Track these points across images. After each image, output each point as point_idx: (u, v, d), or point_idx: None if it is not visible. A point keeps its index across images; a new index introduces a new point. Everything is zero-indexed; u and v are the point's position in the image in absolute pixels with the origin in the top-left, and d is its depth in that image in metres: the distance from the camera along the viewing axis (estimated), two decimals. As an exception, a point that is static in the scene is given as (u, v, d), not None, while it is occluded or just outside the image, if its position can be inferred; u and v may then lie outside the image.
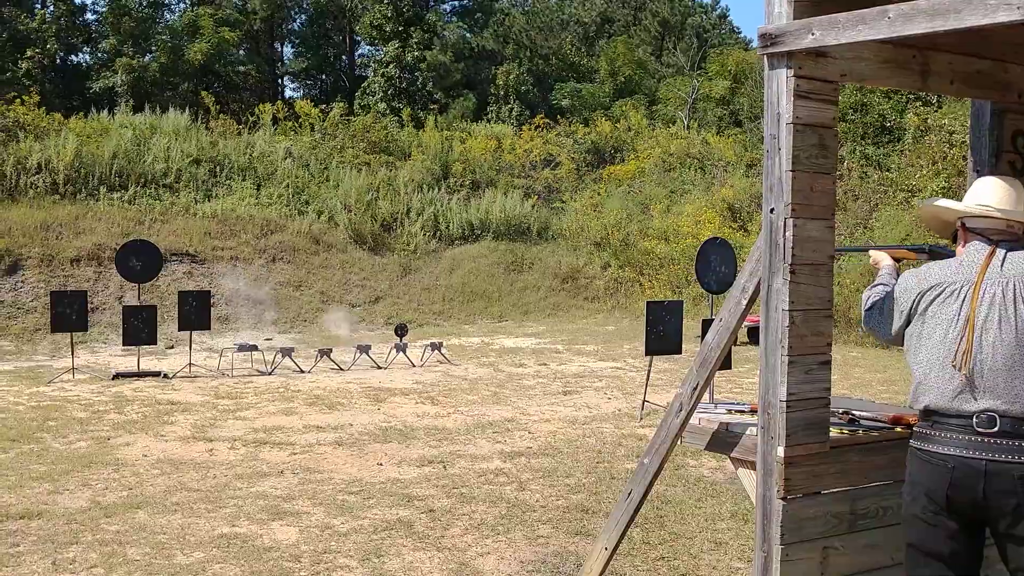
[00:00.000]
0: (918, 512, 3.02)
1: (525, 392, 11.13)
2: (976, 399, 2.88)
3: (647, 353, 9.62)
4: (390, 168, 24.25)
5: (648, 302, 9.88)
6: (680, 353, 9.90)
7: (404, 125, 28.25)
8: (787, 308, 3.29)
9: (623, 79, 38.80)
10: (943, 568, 3.00)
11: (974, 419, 2.87)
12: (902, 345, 3.18)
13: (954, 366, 2.90)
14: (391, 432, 8.58)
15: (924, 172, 17.89)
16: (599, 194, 24.65)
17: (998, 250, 2.98)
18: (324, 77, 44.54)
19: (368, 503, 6.23)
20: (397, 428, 8.78)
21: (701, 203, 21.97)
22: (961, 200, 3.32)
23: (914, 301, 3.07)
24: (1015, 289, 2.90)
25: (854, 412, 3.78)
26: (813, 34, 3.19)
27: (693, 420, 3.97)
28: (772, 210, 3.36)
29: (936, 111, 19.00)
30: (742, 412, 4.01)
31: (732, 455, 3.81)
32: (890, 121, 20.12)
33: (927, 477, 2.97)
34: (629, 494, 4.08)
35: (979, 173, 3.86)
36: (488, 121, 32.08)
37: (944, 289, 3.00)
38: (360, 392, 10.96)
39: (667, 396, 10.37)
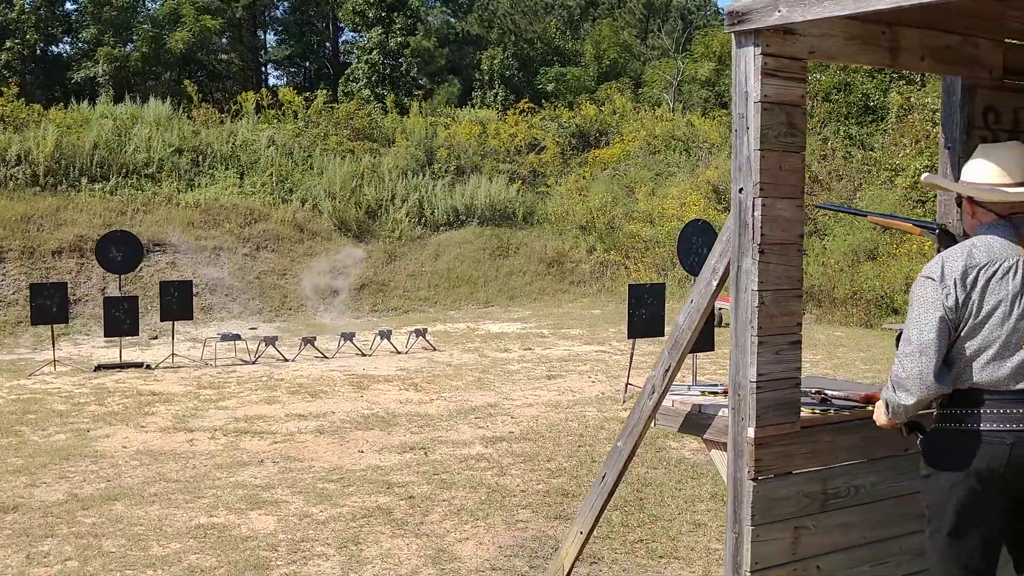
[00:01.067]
0: (962, 498, 2.88)
1: (509, 377, 11.11)
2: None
3: (630, 336, 9.60)
4: (374, 155, 24.13)
5: (630, 285, 9.86)
6: (663, 335, 9.87)
7: (388, 111, 28.10)
8: (756, 288, 3.26)
9: (608, 62, 38.69)
10: (990, 551, 2.93)
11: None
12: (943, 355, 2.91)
13: (1019, 347, 2.83)
14: (373, 419, 8.55)
15: (908, 151, 17.90)
16: (584, 178, 24.59)
17: (1019, 224, 2.93)
18: (308, 64, 44.28)
19: (348, 491, 6.21)
20: (379, 415, 8.75)
21: (686, 185, 21.94)
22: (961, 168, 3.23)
23: (958, 282, 2.86)
24: None
25: (827, 392, 3.76)
26: (780, 11, 3.15)
27: (667, 402, 3.94)
28: (741, 190, 3.34)
29: (920, 89, 19.00)
30: (715, 393, 3.99)
31: (705, 437, 3.79)
32: (874, 100, 20.10)
33: (980, 459, 2.84)
34: (603, 477, 4.06)
35: (950, 150, 3.84)
36: (473, 106, 31.94)
37: (999, 266, 2.87)
38: (343, 380, 10.92)
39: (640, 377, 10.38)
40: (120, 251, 12.61)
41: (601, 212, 22.20)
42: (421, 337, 13.77)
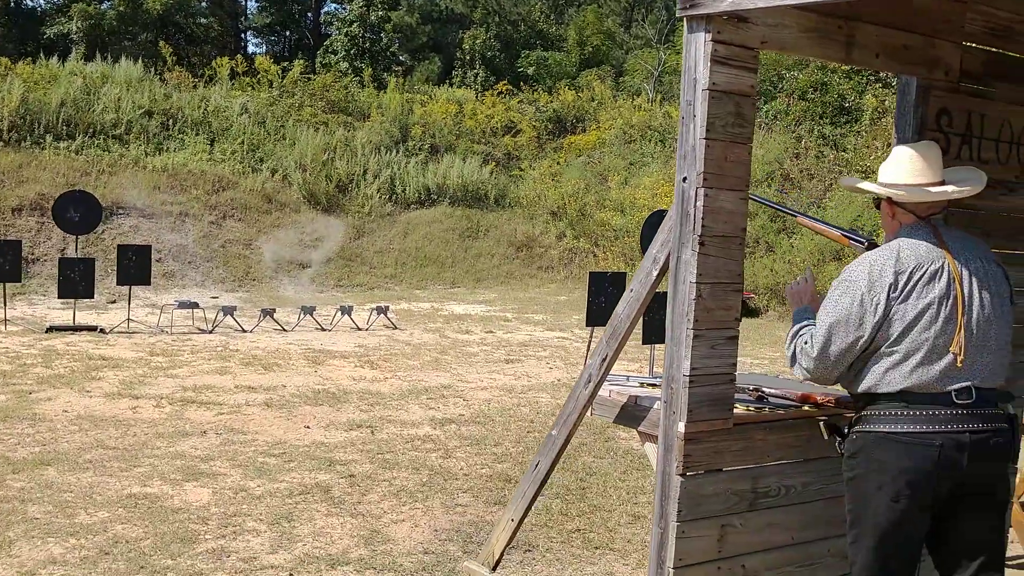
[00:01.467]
0: (889, 501, 2.84)
1: (467, 359, 11.03)
2: (959, 378, 2.82)
3: (588, 324, 9.55)
4: (348, 128, 23.90)
5: (591, 273, 9.81)
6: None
7: (365, 86, 27.82)
8: (695, 280, 3.20)
9: (591, 49, 38.50)
10: (914, 553, 2.92)
11: (953, 394, 2.81)
12: (855, 360, 2.93)
13: (953, 351, 2.80)
14: (323, 395, 8.45)
15: (879, 153, 17.94)
16: (558, 163, 24.50)
17: (937, 225, 2.93)
18: (288, 34, 43.74)
19: (288, 466, 6.11)
20: (330, 391, 8.65)
21: (659, 176, 21.89)
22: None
23: (887, 288, 2.83)
24: (973, 265, 2.87)
25: (764, 389, 3.72)
26: (732, -4, 3.07)
27: (603, 392, 3.88)
28: (684, 179, 3.26)
29: (895, 93, 19.02)
30: (654, 386, 3.93)
31: (639, 429, 3.74)
32: (849, 102, 20.14)
33: (909, 461, 2.81)
34: (536, 465, 4.00)
35: (902, 150, 3.79)
36: (452, 85, 31.69)
37: (926, 270, 2.84)
38: (299, 354, 10.79)
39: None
40: (79, 211, 12.38)
41: (573, 198, 22.14)
42: (383, 315, 13.66)
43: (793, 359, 3.11)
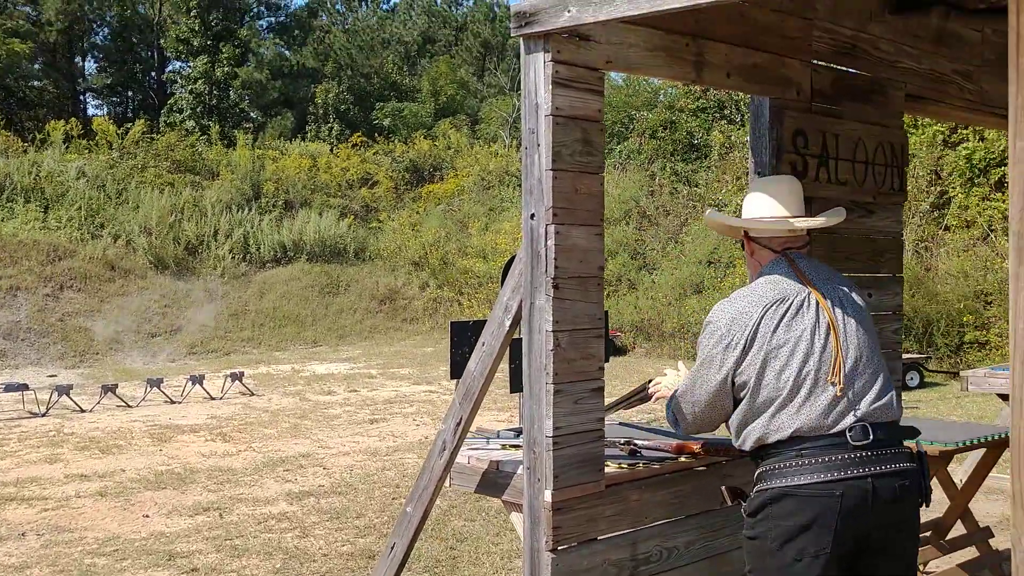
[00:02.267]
0: (791, 560, 2.55)
1: (329, 422, 10.42)
2: (847, 412, 2.58)
3: (452, 376, 9.09)
4: (196, 188, 22.90)
5: (452, 323, 9.31)
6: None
7: (213, 143, 26.84)
8: (551, 329, 2.84)
9: (445, 98, 38.58)
10: None
11: (847, 434, 2.56)
12: (723, 400, 2.72)
13: (831, 382, 2.58)
14: (167, 477, 7.70)
15: (729, 187, 18.37)
16: (417, 213, 24.17)
17: (795, 259, 2.75)
18: (130, 94, 42.10)
19: (120, 566, 5.41)
20: (176, 471, 7.90)
21: (519, 220, 21.84)
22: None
23: (751, 327, 2.63)
24: (837, 293, 2.71)
25: (636, 442, 3.38)
26: (570, 11, 2.77)
27: (462, 458, 3.47)
28: (532, 216, 2.93)
29: (740, 128, 19.61)
30: (518, 447, 3.54)
31: (504, 498, 3.34)
32: (697, 139, 20.63)
33: (810, 515, 2.53)
34: (392, 548, 3.53)
35: (760, 175, 3.57)
36: (304, 139, 31.02)
37: (791, 303, 2.64)
38: (143, 431, 9.93)
39: (479, 419, 9.94)
40: None
41: (434, 247, 21.81)
42: (238, 381, 12.87)
43: (674, 423, 2.94)
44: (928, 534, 5.02)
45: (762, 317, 2.63)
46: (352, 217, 23.70)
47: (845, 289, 2.76)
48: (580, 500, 2.90)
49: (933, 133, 15.66)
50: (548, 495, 2.82)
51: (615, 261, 18.91)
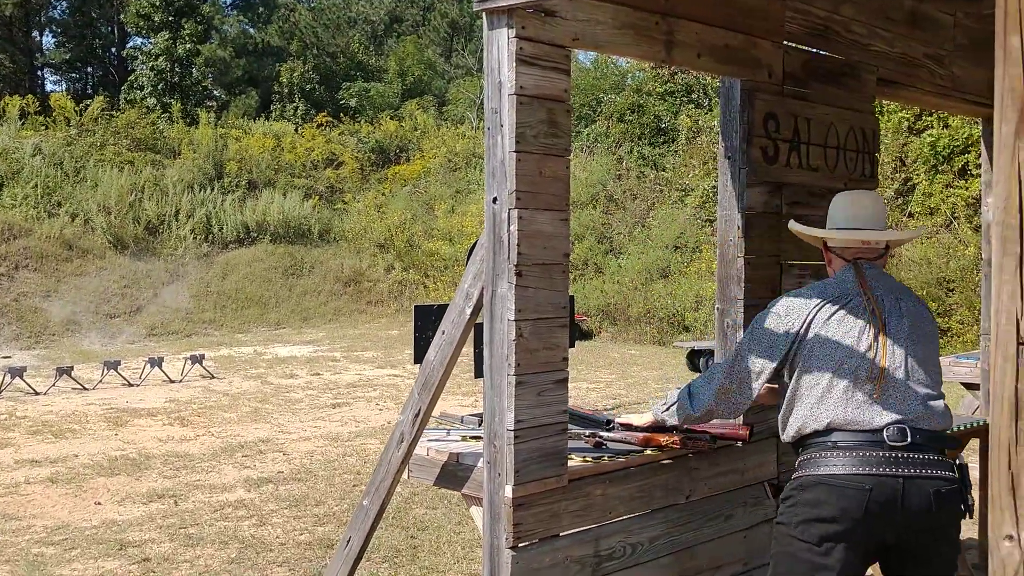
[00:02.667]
0: (812, 546, 2.58)
1: (290, 407, 10.25)
2: (886, 411, 2.62)
3: (416, 361, 8.97)
4: (157, 167, 22.46)
5: (416, 306, 9.19)
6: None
7: (175, 121, 26.33)
8: (513, 318, 2.73)
9: (412, 79, 38.19)
10: None
11: (884, 432, 2.59)
12: (774, 382, 2.84)
13: (871, 379, 2.63)
14: (122, 462, 7.51)
15: (696, 171, 18.35)
16: (383, 194, 23.91)
17: (859, 264, 2.82)
18: (90, 70, 41.28)
19: (69, 556, 5.24)
20: (130, 457, 7.71)
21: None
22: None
23: (806, 317, 2.73)
24: (894, 302, 2.76)
25: (601, 434, 3.28)
26: (535, -15, 2.65)
27: (420, 450, 3.35)
28: (495, 200, 2.80)
29: (707, 113, 19.57)
30: (479, 438, 3.43)
31: (464, 492, 3.22)
32: (665, 123, 20.57)
33: (837, 505, 2.56)
34: (348, 542, 3.42)
35: (731, 160, 3.48)
36: (268, 119, 30.56)
37: (845, 303, 2.73)
38: (99, 415, 9.71)
39: (443, 404, 9.81)
40: None
41: (400, 229, 21.60)
42: (198, 364, 12.64)
43: (689, 396, 2.95)
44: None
45: (818, 310, 2.73)
46: (317, 198, 23.40)
47: (909, 303, 2.79)
48: (542, 495, 2.80)
49: (899, 120, 15.71)
50: (509, 490, 2.72)
51: (581, 245, 18.83)
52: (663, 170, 19.61)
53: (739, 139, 3.44)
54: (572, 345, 9.57)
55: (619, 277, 17.47)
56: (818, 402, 2.67)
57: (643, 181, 19.53)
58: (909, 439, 2.57)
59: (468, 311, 3.03)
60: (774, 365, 2.77)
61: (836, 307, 2.71)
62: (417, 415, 3.19)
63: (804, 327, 2.72)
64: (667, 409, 3.02)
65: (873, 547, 2.60)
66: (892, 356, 2.66)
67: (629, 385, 11.75)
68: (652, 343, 15.94)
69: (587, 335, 16.66)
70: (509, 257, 2.74)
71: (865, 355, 2.65)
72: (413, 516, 5.95)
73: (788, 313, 2.76)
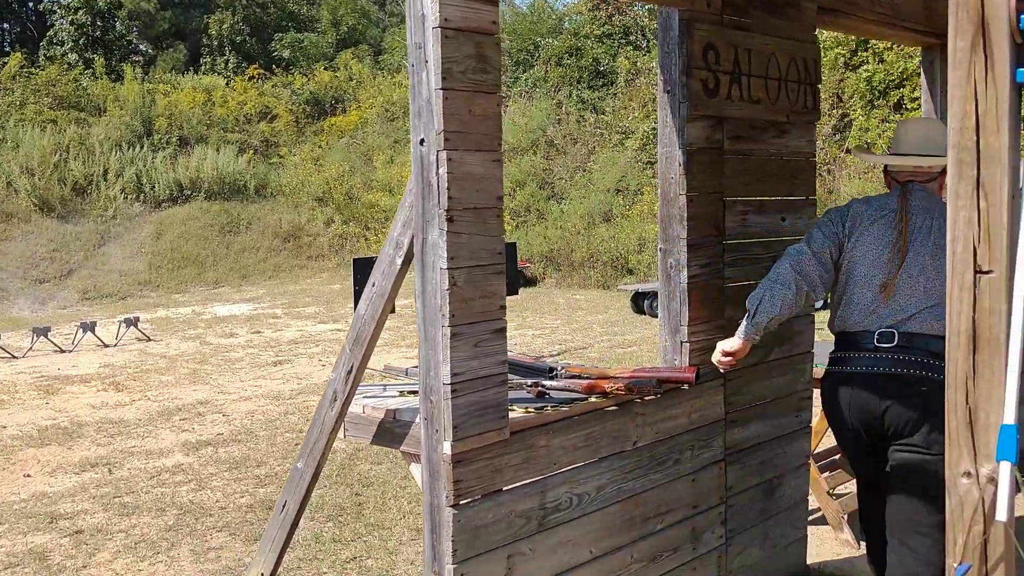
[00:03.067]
0: (845, 439, 3.12)
1: (230, 366, 10.01)
2: (886, 317, 2.97)
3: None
4: (82, 125, 21.66)
5: (355, 259, 9.01)
6: (393, 311, 9.17)
7: (99, 77, 25.36)
8: (446, 266, 2.57)
9: (346, 29, 37.26)
10: (872, 491, 3.12)
11: (876, 335, 2.97)
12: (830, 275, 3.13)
13: (883, 288, 2.96)
14: (53, 432, 7.25)
15: (636, 114, 18.22)
16: (320, 147, 23.40)
17: (908, 186, 3.07)
18: (6, 26, 39.56)
19: (-3, 531, 5.03)
20: (62, 426, 7.45)
21: (425, 153, 21.35)
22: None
23: (855, 220, 3.10)
24: (926, 220, 2.99)
25: (545, 383, 3.16)
26: (455, -94, 2.45)
27: (356, 408, 3.22)
28: (422, 141, 2.62)
29: (646, 55, 19.40)
30: (417, 393, 3.29)
31: (402, 449, 3.10)
32: (603, 65, 20.35)
33: (845, 400, 3.03)
34: (284, 506, 3.28)
35: (670, 93, 3.34)
36: (197, 73, 29.62)
37: (883, 215, 3.06)
38: (29, 384, 9.37)
39: (387, 357, 9.66)
40: None
41: (338, 182, 21.19)
42: (133, 327, 12.28)
43: (761, 301, 3.05)
44: (837, 458, 5.00)
45: (862, 217, 3.08)
46: (252, 152, 22.81)
47: (941, 221, 2.92)
48: (483, 450, 2.68)
49: (835, 56, 15.72)
50: (447, 447, 2.59)
51: (523, 192, 18.66)
52: (603, 113, 19.44)
53: (678, 71, 3.30)
54: (516, 292, 9.54)
55: (562, 223, 17.37)
56: (845, 307, 3.06)
57: (583, 125, 19.35)
58: (896, 341, 2.92)
59: (399, 261, 2.88)
60: (825, 251, 3.07)
61: (876, 216, 3.05)
62: (350, 372, 3.04)
63: (851, 227, 3.06)
64: (750, 323, 3.06)
65: (860, 432, 3.02)
66: (907, 268, 2.94)
67: (575, 330, 11.71)
68: (597, 287, 15.92)
69: (531, 282, 16.58)
70: (439, 202, 2.58)
71: (885, 265, 2.98)
72: (358, 472, 5.82)
73: (843, 214, 3.12)
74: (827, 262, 3.06)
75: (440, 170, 2.57)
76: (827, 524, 4.50)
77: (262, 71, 27.83)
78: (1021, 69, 1.72)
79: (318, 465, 3.16)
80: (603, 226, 16.79)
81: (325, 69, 28.75)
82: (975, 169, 1.73)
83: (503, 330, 2.74)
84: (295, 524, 3.27)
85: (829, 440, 5.43)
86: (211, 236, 19.78)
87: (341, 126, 24.45)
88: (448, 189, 2.56)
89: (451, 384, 2.58)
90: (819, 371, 4.41)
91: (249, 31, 35.53)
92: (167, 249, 19.02)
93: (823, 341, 5.84)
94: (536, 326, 12.10)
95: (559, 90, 20.61)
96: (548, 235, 17.23)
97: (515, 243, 9.38)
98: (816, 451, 4.77)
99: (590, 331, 11.58)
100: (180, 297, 17.19)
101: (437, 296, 2.60)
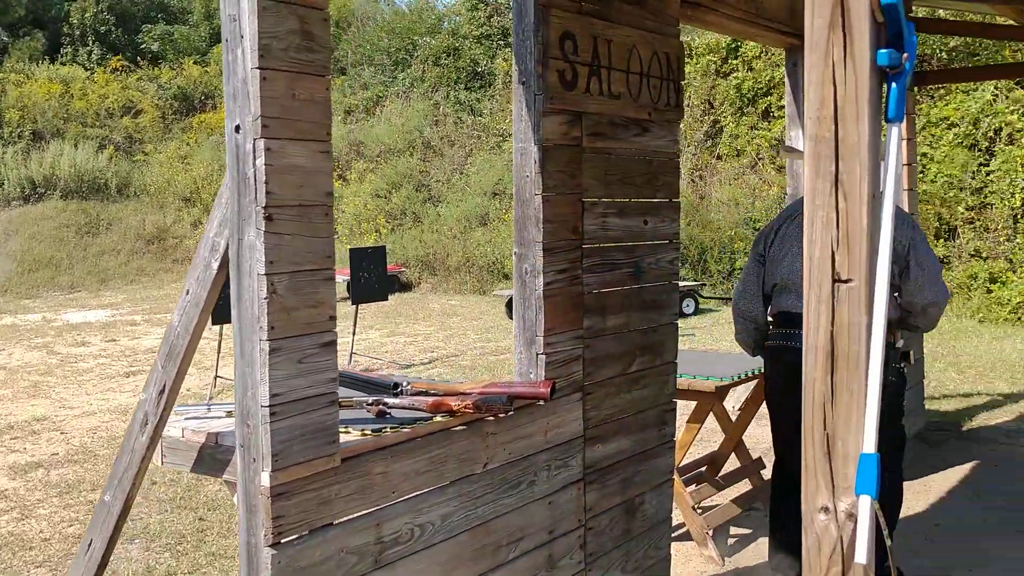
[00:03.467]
0: (789, 423, 3.34)
1: (77, 378, 9.33)
2: (799, 303, 3.38)
3: (215, 323, 8.30)
4: (-78, 117, 20.16)
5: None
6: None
7: (-58, 66, 23.72)
8: (264, 272, 2.25)
9: (219, 22, 35.96)
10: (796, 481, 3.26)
11: (781, 317, 3.64)
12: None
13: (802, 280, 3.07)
14: None
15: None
16: (188, 144, 22.44)
17: None
18: None
19: None
20: None
21: (299, 152, 20.71)
22: None
23: (766, 236, 3.71)
24: None
25: (387, 401, 2.87)
26: None
27: (175, 431, 2.85)
28: (237, 128, 2.30)
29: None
30: (246, 412, 2.95)
31: (225, 478, 2.75)
32: (481, 66, 20.16)
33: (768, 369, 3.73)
34: (89, 545, 2.88)
35: (524, 85, 3.10)
36: (55, 62, 28.04)
37: (793, 211, 3.65)
38: None
39: (228, 369, 9.18)
40: None
41: (207, 182, 20.34)
42: (-29, 335, 11.37)
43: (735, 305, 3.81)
44: (703, 470, 4.88)
45: (778, 221, 3.70)
46: (113, 149, 21.69)
47: None
48: (308, 480, 2.36)
49: (707, 63, 15.95)
50: (266, 478, 2.27)
51: (399, 194, 18.28)
52: (480, 115, 19.25)
53: (533, 61, 3.06)
54: (385, 298, 9.04)
55: (438, 226, 17.08)
56: (779, 293, 3.61)
57: (460, 127, 19.11)
58: (793, 322, 3.46)
59: (215, 265, 2.54)
60: (754, 270, 3.71)
61: (792, 217, 3.56)
62: (162, 391, 2.68)
63: (766, 244, 3.66)
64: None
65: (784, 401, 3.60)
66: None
67: (448, 337, 11.43)
68: (472, 292, 15.68)
69: (406, 287, 16.22)
70: (256, 198, 2.25)
71: (794, 262, 3.50)
72: (204, 495, 5.39)
73: (756, 242, 3.73)
74: (759, 280, 3.69)
75: (257, 161, 2.25)
76: (691, 540, 4.35)
77: (127, 63, 26.54)
78: (882, 51, 1.53)
79: (128, 497, 2.79)
80: (480, 230, 16.59)
81: (195, 64, 27.64)
82: (834, 164, 1.53)
83: (333, 344, 2.43)
84: (103, 565, 2.88)
85: (694, 453, 5.32)
86: (67, 237, 18.67)
87: (211, 123, 23.50)
88: (267, 183, 2.24)
89: (270, 406, 2.25)
90: (708, 384, 4.28)
91: (115, 21, 33.91)
92: (18, 251, 17.85)
93: (689, 350, 5.73)
94: (408, 333, 11.77)
95: (436, 90, 20.32)
96: (424, 239, 16.91)
97: (384, 247, 9.03)
98: (681, 464, 4.64)
99: (464, 338, 11.32)
100: (31, 303, 16.11)
101: (254, 306, 2.28)
